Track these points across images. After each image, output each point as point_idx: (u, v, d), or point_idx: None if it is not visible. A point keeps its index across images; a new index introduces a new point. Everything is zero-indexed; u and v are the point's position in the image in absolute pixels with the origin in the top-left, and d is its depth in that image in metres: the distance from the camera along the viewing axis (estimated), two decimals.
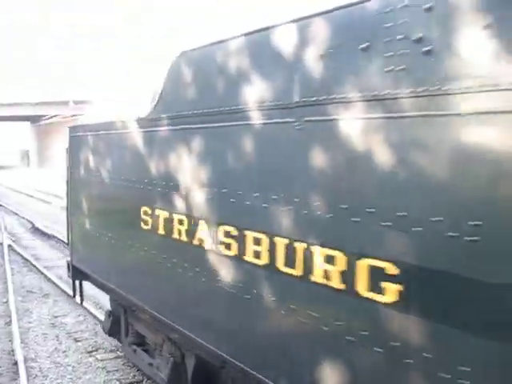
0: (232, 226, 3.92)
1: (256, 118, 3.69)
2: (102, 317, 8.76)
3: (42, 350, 8.01)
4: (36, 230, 18.33)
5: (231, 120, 3.91)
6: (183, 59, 4.57)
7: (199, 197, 4.30)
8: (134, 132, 5.37)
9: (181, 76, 4.56)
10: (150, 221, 5.09)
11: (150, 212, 5.07)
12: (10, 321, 9.16)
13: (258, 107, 3.65)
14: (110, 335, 7.43)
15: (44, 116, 49.25)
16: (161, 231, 4.89)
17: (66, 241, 15.51)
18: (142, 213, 5.21)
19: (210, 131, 4.19)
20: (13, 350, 7.89)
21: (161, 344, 5.81)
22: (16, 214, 22.95)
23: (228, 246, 3.96)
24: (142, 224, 5.22)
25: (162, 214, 4.84)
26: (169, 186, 4.72)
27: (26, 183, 37.96)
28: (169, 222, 4.73)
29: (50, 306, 10.13)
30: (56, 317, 9.51)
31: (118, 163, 5.90)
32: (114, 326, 7.15)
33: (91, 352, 7.94)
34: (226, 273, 4.02)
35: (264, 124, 3.63)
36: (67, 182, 7.62)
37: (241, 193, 3.83)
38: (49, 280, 11.80)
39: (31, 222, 19.58)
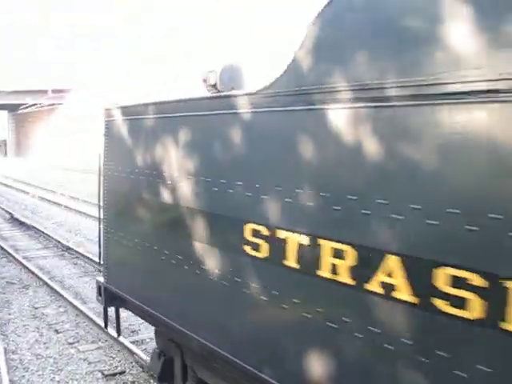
0: (477, 271, 2.48)
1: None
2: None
3: (22, 342, 7.94)
4: (15, 221, 18.11)
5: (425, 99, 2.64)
6: (344, 3, 3.19)
7: (385, 216, 2.83)
8: (231, 113, 4.01)
9: (337, 30, 3.19)
10: (265, 246, 3.68)
11: (266, 233, 3.65)
12: None
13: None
14: (161, 381, 5.86)
15: (22, 105, 48.52)
16: (291, 263, 3.46)
17: (46, 232, 15.43)
18: (247, 232, 3.81)
19: (386, 113, 2.83)
20: None
21: None
22: None
23: (460, 303, 2.54)
24: (248, 248, 3.82)
25: (295, 239, 3.42)
26: (310, 196, 3.30)
27: (3, 173, 37.41)
28: (309, 251, 3.32)
29: (31, 297, 10.03)
30: (36, 308, 9.43)
31: (194, 156, 4.43)
32: (166, 368, 5.65)
33: (72, 343, 7.90)
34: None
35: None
36: (101, 180, 6.16)
37: (458, 212, 2.52)
38: (29, 271, 11.68)
39: (9, 213, 19.32)
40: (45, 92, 43.79)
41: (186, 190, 4.52)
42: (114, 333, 7.19)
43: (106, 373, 6.94)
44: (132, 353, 7.30)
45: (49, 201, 22.95)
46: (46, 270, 11.92)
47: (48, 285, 10.55)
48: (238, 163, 3.95)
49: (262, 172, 3.70)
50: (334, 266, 3.16)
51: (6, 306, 9.51)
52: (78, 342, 7.97)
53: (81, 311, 8.96)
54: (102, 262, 6.30)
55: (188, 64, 27.95)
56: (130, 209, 5.57)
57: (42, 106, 47.05)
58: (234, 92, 4.15)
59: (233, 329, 4.11)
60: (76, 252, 13.27)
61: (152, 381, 6.66)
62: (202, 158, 4.35)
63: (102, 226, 6.21)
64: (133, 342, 7.68)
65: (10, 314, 9.11)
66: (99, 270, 11.38)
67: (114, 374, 6.92)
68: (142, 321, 8.65)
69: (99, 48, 39.85)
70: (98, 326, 8.30)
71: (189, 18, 29.83)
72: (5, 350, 7.56)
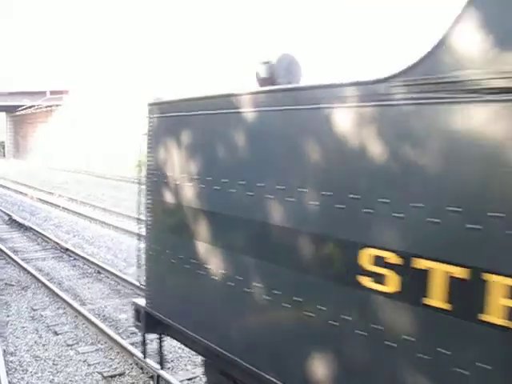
0: None
1: None
2: None
3: (21, 344, 7.91)
4: (13, 222, 18.06)
5: None
6: None
7: None
8: (335, 109, 3.19)
9: None
10: (394, 277, 2.87)
11: (395, 261, 2.85)
12: None
13: None
14: None
15: (20, 106, 48.45)
16: (436, 302, 2.67)
17: (44, 233, 15.39)
18: (365, 259, 3.01)
19: None
20: None
21: None
22: None
23: None
24: (366, 280, 3.02)
25: (443, 270, 2.62)
26: (470, 216, 2.52)
27: (2, 175, 37.34)
28: (466, 288, 2.56)
29: (29, 299, 9.99)
30: (35, 310, 9.40)
31: (281, 160, 3.62)
32: None
33: (72, 345, 7.87)
34: None
35: None
36: (144, 186, 5.29)
37: None
38: (27, 272, 11.65)
39: (8, 214, 19.28)
40: (43, 93, 43.74)
41: (264, 202, 3.69)
42: (154, 363, 6.51)
43: (105, 374, 6.91)
44: (131, 354, 7.27)
45: (47, 202, 22.90)
46: (44, 272, 11.89)
47: (47, 286, 10.52)
48: (348, 171, 3.12)
49: (393, 183, 2.88)
50: (509, 309, 2.39)
51: (4, 308, 9.48)
52: (77, 343, 7.94)
53: (80, 313, 8.93)
54: (143, 284, 5.50)
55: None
56: (183, 224, 4.68)
57: (40, 108, 47.00)
58: (353, 79, 3.14)
59: (334, 375, 3.29)
60: (74, 253, 13.24)
61: (152, 382, 6.64)
62: (295, 163, 3.49)
63: (143, 243, 5.40)
64: (132, 344, 7.66)
65: (8, 316, 9.08)
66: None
67: (114, 376, 6.89)
68: None
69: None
70: (97, 327, 8.27)
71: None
72: (3, 351, 7.53)
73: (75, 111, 43.33)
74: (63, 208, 20.98)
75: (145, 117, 5.19)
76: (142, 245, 5.53)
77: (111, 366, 7.20)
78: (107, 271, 11.50)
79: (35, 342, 7.98)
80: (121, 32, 37.80)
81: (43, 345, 7.90)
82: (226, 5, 30.58)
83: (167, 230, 5.04)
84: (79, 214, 19.37)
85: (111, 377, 6.87)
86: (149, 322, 5.40)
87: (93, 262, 12.23)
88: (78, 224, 17.85)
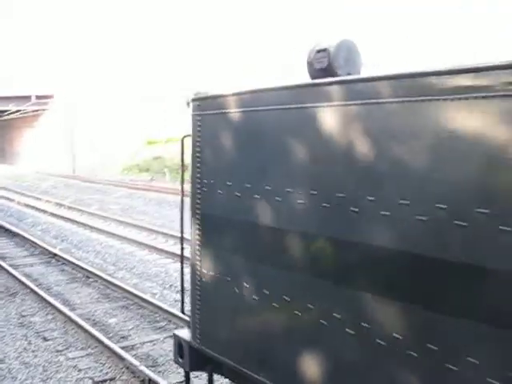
0: None
1: None
2: None
3: (10, 351, 7.84)
4: (0, 228, 17.91)
5: None
6: None
7: None
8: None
9: None
10: None
11: None
12: None
13: None
14: None
15: (5, 111, 48.07)
16: None
17: (32, 239, 15.26)
18: None
19: None
20: None
21: None
22: None
23: None
24: None
25: None
26: None
27: None
28: None
29: (18, 305, 9.91)
30: (24, 316, 9.32)
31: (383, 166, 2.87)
32: None
33: (61, 351, 7.81)
34: None
35: None
36: (190, 198, 4.46)
37: None
38: (15, 279, 11.55)
39: None
40: (28, 98, 43.47)
41: (368, 220, 2.95)
42: None
43: (96, 380, 6.88)
44: (122, 359, 7.24)
45: (35, 207, 22.73)
46: (33, 278, 11.79)
47: (35, 292, 10.44)
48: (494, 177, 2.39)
49: None
50: None
51: None
52: (67, 349, 7.89)
53: (69, 318, 8.88)
54: (189, 315, 4.73)
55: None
56: (249, 245, 3.92)
57: (26, 112, 46.69)
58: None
59: None
60: (63, 258, 13.15)
61: None
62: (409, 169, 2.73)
63: (187, 266, 4.67)
64: (123, 348, 7.62)
65: None
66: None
67: (105, 381, 6.86)
68: (132, 325, 8.62)
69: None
70: (87, 332, 8.22)
71: None
72: None
73: (61, 115, 43.09)
74: (51, 213, 20.83)
75: (189, 115, 4.38)
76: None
77: (102, 370, 7.15)
78: (96, 275, 11.44)
79: (24, 349, 7.92)
80: (105, 36, 37.68)
81: (33, 351, 7.83)
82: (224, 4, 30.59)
83: (226, 252, 4.17)
84: (67, 219, 19.25)
85: (102, 382, 6.83)
86: (194, 357, 4.61)
87: (81, 267, 12.16)
88: (66, 229, 17.74)
